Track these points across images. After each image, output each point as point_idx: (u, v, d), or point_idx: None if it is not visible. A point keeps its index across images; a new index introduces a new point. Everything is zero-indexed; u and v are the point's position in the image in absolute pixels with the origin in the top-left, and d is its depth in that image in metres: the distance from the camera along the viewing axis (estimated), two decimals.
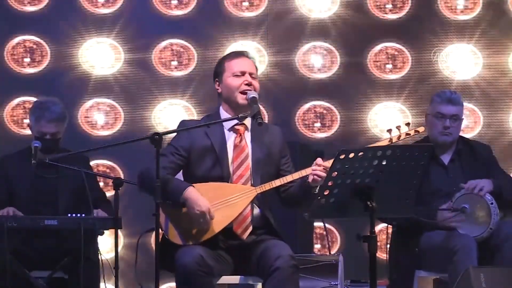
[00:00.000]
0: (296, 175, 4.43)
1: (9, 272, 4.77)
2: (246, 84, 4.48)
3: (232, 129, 4.52)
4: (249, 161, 4.47)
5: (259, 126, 4.39)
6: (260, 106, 4.48)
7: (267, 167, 4.50)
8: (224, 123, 4.51)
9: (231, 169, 4.45)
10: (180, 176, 4.53)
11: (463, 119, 5.35)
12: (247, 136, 4.53)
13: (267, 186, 4.40)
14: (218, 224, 4.32)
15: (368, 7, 6.83)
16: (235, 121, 4.48)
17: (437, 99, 5.29)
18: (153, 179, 4.13)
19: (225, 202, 4.35)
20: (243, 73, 4.51)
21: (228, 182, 4.42)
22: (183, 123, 4.58)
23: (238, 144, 4.49)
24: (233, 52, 4.73)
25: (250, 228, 4.42)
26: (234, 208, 4.35)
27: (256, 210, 4.45)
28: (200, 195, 4.29)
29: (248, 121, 4.54)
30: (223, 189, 4.38)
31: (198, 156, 4.47)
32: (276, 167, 4.54)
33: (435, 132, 5.25)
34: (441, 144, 5.25)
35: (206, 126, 4.47)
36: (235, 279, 4.44)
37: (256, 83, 4.52)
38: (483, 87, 6.77)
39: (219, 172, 4.44)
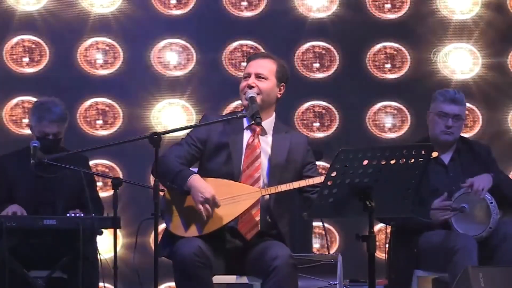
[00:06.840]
0: (303, 183, 4.43)
1: (8, 272, 4.76)
2: (248, 86, 4.49)
3: (249, 127, 4.54)
4: (260, 162, 4.46)
5: (258, 125, 4.40)
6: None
7: (285, 173, 4.48)
8: (244, 123, 4.51)
9: (241, 168, 4.45)
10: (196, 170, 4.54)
11: (464, 119, 5.34)
12: (264, 138, 4.52)
13: (273, 190, 4.40)
14: (219, 220, 4.32)
15: (367, 7, 6.83)
16: (251, 120, 4.46)
17: (440, 97, 5.24)
18: (167, 166, 4.25)
19: (230, 200, 4.34)
20: (249, 75, 4.52)
21: (237, 180, 4.42)
22: (205, 117, 4.59)
23: (251, 143, 4.49)
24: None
25: (256, 230, 4.42)
26: (237, 207, 4.35)
27: (268, 219, 4.46)
28: (204, 183, 4.30)
29: (269, 125, 4.54)
30: (230, 187, 4.38)
31: (213, 150, 4.48)
32: (296, 175, 4.51)
33: (437, 131, 5.22)
34: (442, 143, 5.23)
35: (227, 122, 4.50)
36: (233, 278, 4.44)
37: (261, 84, 4.50)
38: (482, 86, 6.77)
39: (229, 169, 4.44)
